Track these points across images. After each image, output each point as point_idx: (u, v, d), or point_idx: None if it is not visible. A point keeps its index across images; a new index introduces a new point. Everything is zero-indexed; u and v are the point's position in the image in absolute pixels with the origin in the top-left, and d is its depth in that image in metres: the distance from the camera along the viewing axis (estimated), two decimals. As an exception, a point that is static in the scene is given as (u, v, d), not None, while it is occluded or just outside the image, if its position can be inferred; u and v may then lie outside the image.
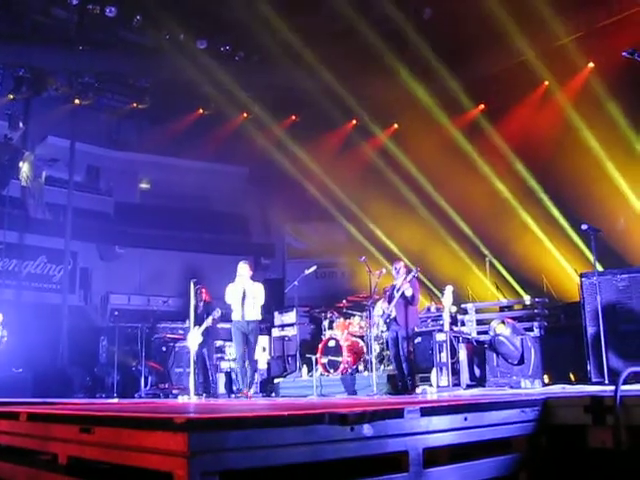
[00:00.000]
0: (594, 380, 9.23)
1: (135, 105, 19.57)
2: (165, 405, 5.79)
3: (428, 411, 3.19)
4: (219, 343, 14.02)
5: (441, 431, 3.29)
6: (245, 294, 11.46)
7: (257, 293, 11.64)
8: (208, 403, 7.57)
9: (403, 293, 10.95)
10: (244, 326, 11.46)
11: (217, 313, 12.41)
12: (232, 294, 11.67)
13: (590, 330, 9.57)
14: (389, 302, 11.20)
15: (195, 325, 12.38)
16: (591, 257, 9.69)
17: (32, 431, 3.12)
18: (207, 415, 2.45)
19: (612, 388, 3.75)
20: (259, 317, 11.73)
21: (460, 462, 3.36)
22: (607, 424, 3.65)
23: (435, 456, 3.27)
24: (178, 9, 16.55)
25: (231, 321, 11.67)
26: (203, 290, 12.75)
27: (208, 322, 12.41)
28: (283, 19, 15.38)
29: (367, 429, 2.85)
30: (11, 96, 17.77)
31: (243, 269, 11.75)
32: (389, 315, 11.15)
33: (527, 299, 12.34)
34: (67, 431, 2.81)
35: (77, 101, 18.43)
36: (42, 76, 17.58)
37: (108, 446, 2.57)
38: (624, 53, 6.92)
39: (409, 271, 11.19)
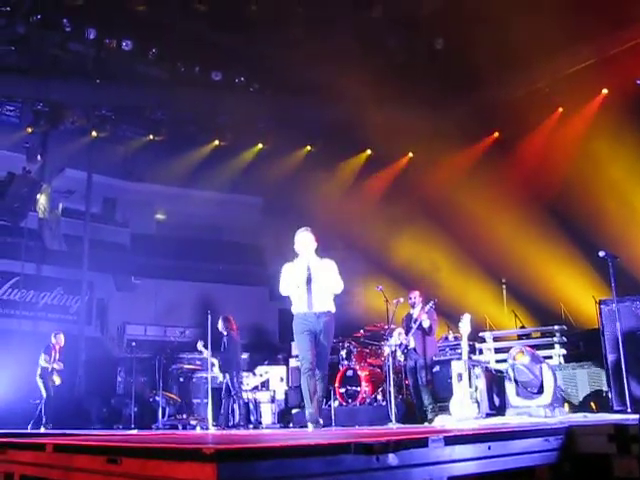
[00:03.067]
0: (616, 408, 9.14)
1: (151, 137, 19.75)
2: (189, 436, 5.79)
3: (452, 440, 3.18)
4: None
5: (465, 460, 3.28)
6: (311, 276, 8.03)
7: (329, 273, 8.13)
8: (230, 434, 7.56)
9: (420, 324, 10.93)
10: (313, 322, 7.97)
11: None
12: (291, 278, 8.09)
13: (610, 357, 9.50)
14: (406, 332, 11.18)
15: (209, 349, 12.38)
16: (608, 284, 9.63)
17: (58, 462, 3.14)
18: (235, 445, 2.46)
19: (635, 416, 3.73)
20: (332, 308, 8.16)
21: (484, 491, 3.34)
22: (632, 453, 3.62)
23: (460, 485, 3.26)
24: (193, 42, 16.78)
25: (249, 352, 11.45)
26: (231, 320, 12.76)
27: None
28: (295, 49, 15.53)
29: (392, 458, 2.85)
30: (30, 129, 18.00)
31: (305, 240, 8.16)
32: (407, 345, 11.13)
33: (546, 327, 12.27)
34: (94, 462, 2.83)
35: (94, 133, 18.66)
36: (59, 109, 17.80)
37: (135, 477, 2.59)
38: (638, 81, 6.95)
39: (427, 300, 11.17)
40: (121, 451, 2.74)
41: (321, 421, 7.88)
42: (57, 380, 13.96)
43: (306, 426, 7.96)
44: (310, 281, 7.97)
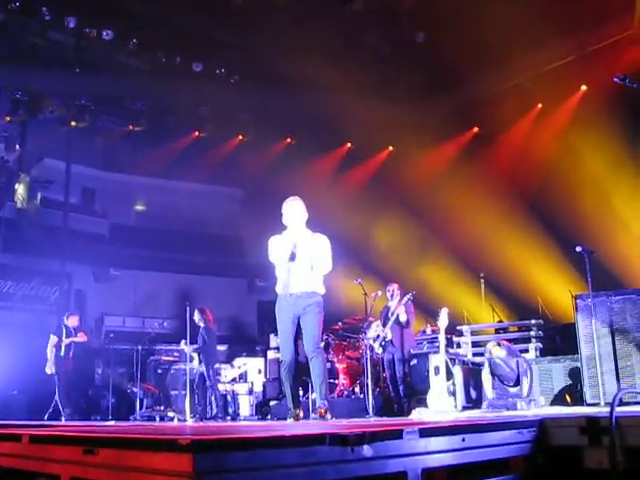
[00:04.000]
0: (590, 402, 9.25)
1: (131, 127, 19.66)
2: (166, 427, 5.80)
3: (426, 432, 3.22)
4: (216, 366, 13.86)
5: (439, 452, 3.31)
6: (296, 252, 7.09)
7: (318, 249, 7.22)
8: (208, 425, 7.57)
9: (397, 317, 10.99)
10: (292, 304, 7.14)
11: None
12: (278, 252, 7.21)
13: (585, 352, 9.59)
14: (384, 325, 11.23)
15: (191, 346, 12.38)
16: (585, 279, 9.71)
17: (34, 453, 3.14)
18: (211, 436, 2.48)
19: (607, 409, 3.79)
20: (321, 289, 7.26)
21: (459, 483, 3.38)
22: (603, 445, 3.68)
23: (434, 477, 3.29)
24: (173, 32, 16.71)
25: (227, 344, 11.46)
26: (207, 311, 12.76)
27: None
28: (277, 41, 15.52)
29: (367, 450, 2.88)
30: (8, 118, 17.85)
31: (294, 210, 7.34)
32: (384, 338, 11.17)
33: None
34: (70, 453, 2.84)
35: (73, 123, 18.52)
36: (38, 98, 17.66)
37: (112, 467, 2.60)
38: (615, 79, 6.97)
39: (404, 293, 11.21)
40: (97, 442, 2.75)
41: (327, 415, 7.13)
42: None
43: (284, 418, 7.84)
44: (294, 258, 7.06)
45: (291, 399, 7.35)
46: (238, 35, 16.53)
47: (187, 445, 2.24)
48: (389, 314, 11.19)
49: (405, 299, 11.02)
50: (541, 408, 9.45)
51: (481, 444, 3.55)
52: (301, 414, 7.42)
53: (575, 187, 13.91)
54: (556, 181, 14.18)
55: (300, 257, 7.09)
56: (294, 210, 7.30)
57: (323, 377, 7.16)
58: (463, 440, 3.44)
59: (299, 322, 7.14)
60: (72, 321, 13.82)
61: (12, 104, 17.55)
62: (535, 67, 15.31)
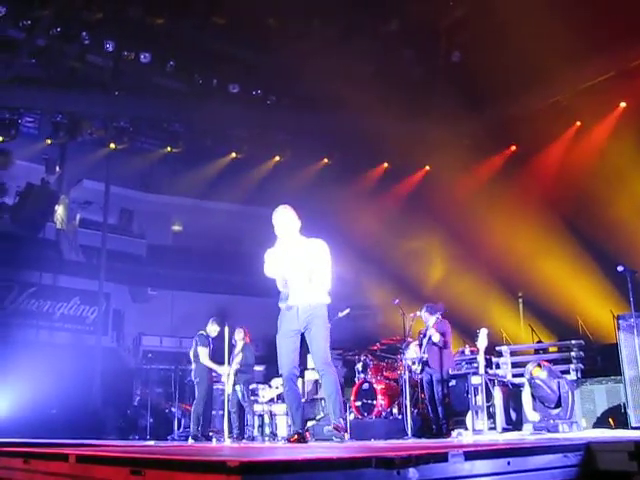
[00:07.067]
0: (634, 425, 9.08)
1: (168, 149, 19.85)
2: (209, 448, 5.80)
3: (472, 455, 3.17)
4: (253, 386, 13.82)
5: (484, 475, 3.26)
6: (291, 262, 6.71)
7: (317, 257, 6.68)
8: (248, 446, 7.55)
9: (431, 338, 10.92)
10: (293, 318, 6.62)
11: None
12: (274, 266, 6.77)
13: (629, 373, 9.44)
14: (420, 347, 11.18)
15: (229, 365, 12.37)
16: (627, 299, 9.57)
17: (81, 473, 3.16)
18: (259, 458, 2.47)
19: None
20: (324, 299, 6.67)
21: (504, 507, 3.33)
22: (654, 471, 3.60)
23: (479, 501, 3.26)
24: (210, 54, 16.91)
25: (265, 364, 11.38)
26: (245, 330, 12.76)
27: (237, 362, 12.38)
28: (313, 62, 15.60)
29: (412, 473, 2.85)
30: (49, 141, 18.16)
31: (282, 220, 6.88)
32: (421, 359, 11.11)
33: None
34: (117, 473, 2.84)
35: (112, 145, 18.76)
36: (78, 121, 17.93)
37: (158, 488, 2.60)
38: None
39: (434, 310, 11.13)
40: (144, 463, 2.75)
41: (343, 434, 6.47)
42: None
43: (322, 439, 7.66)
44: (290, 269, 6.66)
45: (292, 418, 6.96)
46: (274, 56, 16.66)
47: (236, 467, 2.24)
48: (424, 337, 11.14)
49: (433, 319, 10.96)
50: (584, 431, 9.32)
51: (526, 468, 3.50)
52: (308, 437, 6.80)
53: (615, 205, 13.75)
54: (595, 199, 14.04)
55: (295, 267, 6.65)
56: (281, 218, 6.85)
57: (336, 395, 6.49)
58: (508, 464, 3.39)
59: (303, 337, 6.62)
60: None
61: (52, 127, 17.85)
62: (574, 84, 15.20)
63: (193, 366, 12.22)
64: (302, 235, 6.90)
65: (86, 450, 3.72)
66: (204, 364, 11.99)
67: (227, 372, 12.29)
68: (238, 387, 12.54)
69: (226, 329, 11.79)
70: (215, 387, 14.47)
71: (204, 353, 12.04)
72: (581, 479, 3.83)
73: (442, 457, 3.02)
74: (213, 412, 14.50)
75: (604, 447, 3.89)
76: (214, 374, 12.34)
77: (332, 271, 6.70)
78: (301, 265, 6.64)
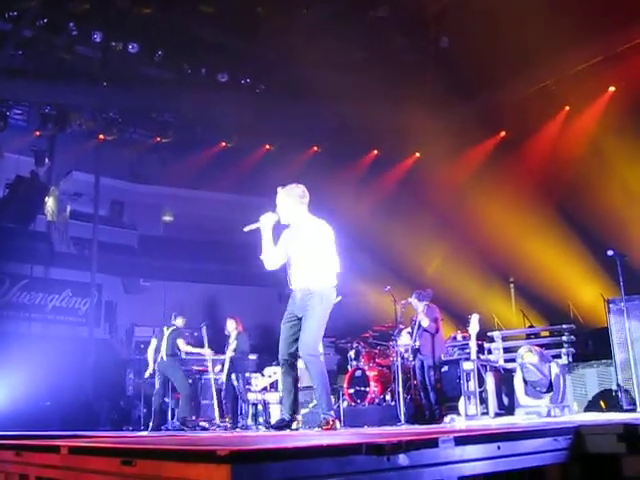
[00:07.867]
0: (625, 407, 9.14)
1: (158, 139, 19.77)
2: (201, 438, 5.81)
3: (462, 440, 3.19)
4: (247, 374, 13.82)
5: (475, 460, 3.28)
6: (289, 244, 6.58)
7: (316, 239, 6.39)
8: (241, 435, 7.57)
9: (420, 324, 10.99)
10: (294, 303, 6.42)
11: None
12: (278, 248, 6.66)
13: (619, 356, 9.50)
14: (411, 335, 11.24)
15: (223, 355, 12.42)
16: (617, 282, 9.61)
17: (73, 464, 3.17)
18: (249, 447, 2.48)
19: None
20: (317, 284, 6.27)
21: (494, 491, 3.35)
22: (642, 452, 3.62)
23: (470, 485, 3.28)
24: (198, 43, 16.83)
25: (258, 353, 11.44)
26: (237, 319, 12.82)
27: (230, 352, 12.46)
28: (301, 49, 15.54)
29: (403, 459, 2.86)
30: (37, 133, 18.09)
31: (277, 200, 6.68)
32: (413, 346, 11.17)
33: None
34: (108, 464, 2.85)
35: (101, 136, 18.70)
36: (67, 112, 17.85)
37: (149, 478, 2.61)
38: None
39: (423, 297, 11.17)
40: (135, 453, 2.76)
41: (337, 425, 6.20)
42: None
43: (314, 427, 7.56)
44: (289, 251, 6.49)
45: (283, 404, 6.72)
46: (263, 45, 16.60)
47: (225, 456, 2.25)
48: (415, 324, 11.21)
49: (422, 306, 11.01)
50: (575, 414, 9.37)
51: (517, 452, 3.52)
52: (297, 423, 6.49)
53: (605, 189, 13.79)
54: (585, 184, 14.07)
55: (293, 249, 6.45)
56: (278, 200, 6.61)
57: (322, 388, 6.22)
58: (499, 448, 3.41)
59: (299, 320, 6.31)
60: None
61: (41, 118, 17.78)
62: (562, 69, 15.19)
63: (165, 359, 12.55)
64: (311, 214, 6.59)
65: (78, 442, 3.73)
66: (184, 351, 12.87)
67: (209, 354, 12.48)
68: (234, 375, 12.58)
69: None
70: (208, 377, 14.50)
71: (183, 343, 12.67)
72: (571, 462, 3.85)
73: (432, 443, 3.03)
74: (205, 402, 14.52)
75: (593, 430, 3.91)
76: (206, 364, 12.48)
77: (336, 254, 6.42)
78: (302, 248, 6.38)
